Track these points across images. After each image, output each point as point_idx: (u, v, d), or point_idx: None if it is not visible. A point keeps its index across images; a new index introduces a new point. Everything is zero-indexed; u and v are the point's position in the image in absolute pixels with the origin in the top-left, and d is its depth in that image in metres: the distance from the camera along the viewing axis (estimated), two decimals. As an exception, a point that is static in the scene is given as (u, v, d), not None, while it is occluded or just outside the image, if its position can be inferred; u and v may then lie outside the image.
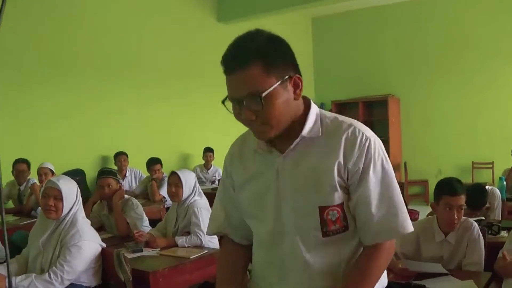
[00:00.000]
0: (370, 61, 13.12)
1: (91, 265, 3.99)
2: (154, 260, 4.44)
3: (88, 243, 3.98)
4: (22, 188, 7.38)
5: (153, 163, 8.65)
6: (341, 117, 2.05)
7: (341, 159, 1.94)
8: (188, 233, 4.94)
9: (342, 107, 13.23)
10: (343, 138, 1.96)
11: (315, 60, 14.07)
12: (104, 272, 4.09)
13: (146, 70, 10.01)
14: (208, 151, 10.22)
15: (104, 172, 5.77)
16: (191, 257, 4.42)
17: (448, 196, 3.79)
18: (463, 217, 3.88)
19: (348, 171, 1.94)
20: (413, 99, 12.71)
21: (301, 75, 1.96)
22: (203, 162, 10.33)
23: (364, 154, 1.94)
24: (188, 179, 5.15)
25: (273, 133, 1.92)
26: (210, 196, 7.72)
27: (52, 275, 3.77)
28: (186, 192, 5.10)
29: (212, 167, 10.27)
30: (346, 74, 13.40)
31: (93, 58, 9.24)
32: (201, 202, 5.15)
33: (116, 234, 5.49)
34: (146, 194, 8.35)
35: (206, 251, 4.62)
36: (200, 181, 9.74)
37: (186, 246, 4.78)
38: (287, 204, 2.00)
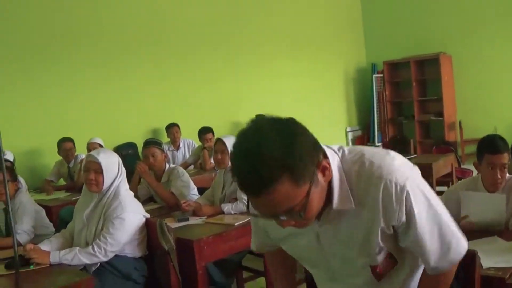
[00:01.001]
0: (421, 18, 12.64)
1: (135, 237, 3.94)
2: (199, 229, 4.38)
3: (131, 215, 3.93)
4: (71, 165, 7.45)
5: (204, 132, 8.58)
6: (367, 162, 1.83)
7: (382, 223, 1.82)
8: (235, 199, 4.84)
9: (394, 67, 12.98)
10: (379, 202, 1.79)
11: (364, 19, 13.69)
12: (149, 243, 4.04)
13: (194, 39, 9.95)
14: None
15: (148, 142, 5.73)
16: (236, 224, 4.34)
17: (489, 154, 3.54)
18: (508, 175, 3.65)
19: (392, 226, 1.85)
20: (466, 57, 12.24)
21: (326, 156, 1.78)
22: (256, 130, 10.17)
23: (404, 205, 1.80)
24: None
25: (311, 221, 1.79)
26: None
27: (95, 247, 3.74)
28: None
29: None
30: (397, 33, 12.98)
31: (141, 32, 9.24)
32: None
33: (165, 204, 5.45)
34: (199, 164, 8.32)
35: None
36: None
37: (232, 212, 4.68)
38: (336, 260, 1.98)
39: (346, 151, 1.87)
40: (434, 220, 1.87)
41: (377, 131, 13.00)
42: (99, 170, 3.92)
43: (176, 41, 9.71)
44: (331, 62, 12.61)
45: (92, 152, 4.08)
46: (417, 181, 1.85)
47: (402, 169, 1.83)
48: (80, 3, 8.60)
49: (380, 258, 1.91)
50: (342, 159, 1.85)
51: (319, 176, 1.69)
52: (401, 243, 1.90)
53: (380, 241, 1.86)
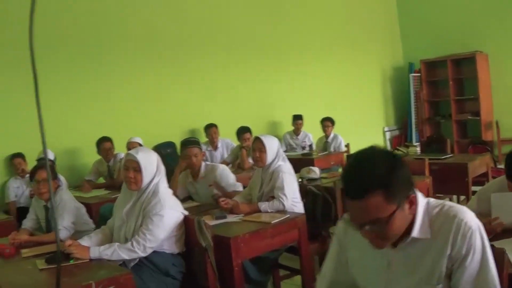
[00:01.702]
0: (458, 16, 12.49)
1: (173, 233, 3.95)
2: (236, 226, 4.39)
3: (170, 212, 3.94)
4: (110, 164, 7.54)
5: (242, 131, 8.60)
6: (446, 206, 2.10)
7: (448, 252, 2.01)
8: (273, 197, 4.84)
9: (431, 66, 12.83)
10: (451, 235, 2.01)
11: (401, 18, 13.58)
12: (187, 239, 4.05)
13: (233, 41, 9.97)
14: (297, 118, 10.04)
15: (189, 142, 5.72)
16: (272, 222, 4.34)
17: None
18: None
19: (451, 258, 2.02)
20: (502, 55, 12.05)
21: (415, 193, 2.05)
22: (293, 128, 10.18)
23: (466, 242, 2.00)
24: (272, 144, 5.02)
25: (389, 242, 2.05)
26: (299, 162, 7.76)
27: (134, 243, 3.76)
28: (270, 156, 4.98)
29: (301, 133, 10.11)
30: (434, 31, 12.83)
31: (183, 32, 9.32)
32: (286, 166, 5.02)
33: (204, 202, 5.47)
34: (238, 163, 8.33)
35: (288, 215, 4.52)
36: (290, 148, 9.72)
37: (269, 211, 4.68)
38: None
39: (432, 199, 2.15)
40: (483, 274, 2.02)
41: (415, 130, 12.90)
42: (138, 169, 3.94)
43: (217, 42, 9.76)
44: (368, 61, 12.57)
45: (131, 151, 4.10)
46: (482, 232, 2.05)
47: (473, 217, 2.06)
48: (118, 3, 8.70)
49: None
50: (428, 201, 2.13)
51: (406, 205, 1.98)
52: (451, 281, 2.05)
53: (443, 272, 2.02)
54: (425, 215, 2.08)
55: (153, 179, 4.02)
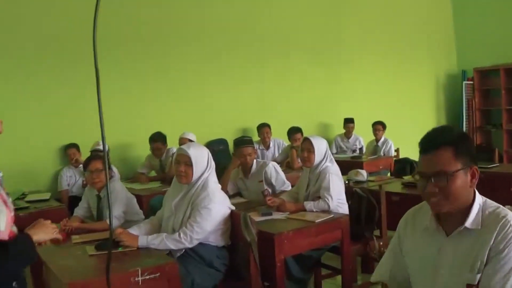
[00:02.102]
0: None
1: (220, 226, 4.03)
2: (281, 223, 4.45)
3: (218, 206, 4.03)
4: (163, 158, 7.68)
5: (293, 132, 8.68)
6: (501, 208, 2.24)
7: (491, 243, 2.14)
8: (319, 197, 4.89)
9: (484, 75, 12.61)
10: (496, 230, 2.14)
11: (456, 25, 13.31)
12: (233, 233, 4.13)
13: (287, 43, 10.01)
14: (349, 121, 10.05)
15: (244, 142, 5.84)
16: (316, 221, 4.39)
17: None
18: None
19: (491, 249, 2.14)
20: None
21: (478, 170, 2.23)
22: (344, 131, 10.19)
23: (506, 240, 2.12)
24: (320, 145, 5.09)
25: (447, 207, 2.19)
26: (349, 164, 7.79)
27: (182, 234, 3.86)
28: (318, 157, 5.04)
29: (352, 136, 10.12)
30: (488, 40, 12.51)
31: (240, 33, 9.42)
32: (333, 168, 5.07)
33: (253, 199, 5.56)
34: (287, 162, 8.39)
35: (332, 216, 4.57)
36: (341, 150, 9.73)
37: (314, 210, 4.74)
38: (441, 277, 2.25)
39: (489, 200, 2.30)
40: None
41: (466, 139, 12.70)
42: (189, 163, 4.04)
43: (272, 44, 9.80)
44: (422, 67, 12.40)
45: (184, 146, 4.21)
46: None
47: None
48: (184, 2, 8.87)
49: (475, 279, 2.15)
50: (486, 200, 2.28)
51: (468, 174, 2.18)
52: (484, 268, 2.15)
53: (484, 260, 2.13)
54: (480, 209, 2.22)
55: (203, 173, 4.11)
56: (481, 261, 2.14)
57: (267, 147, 9.08)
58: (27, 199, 6.39)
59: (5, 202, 2.18)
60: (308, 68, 10.25)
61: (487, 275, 2.11)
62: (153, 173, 7.93)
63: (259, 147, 8.96)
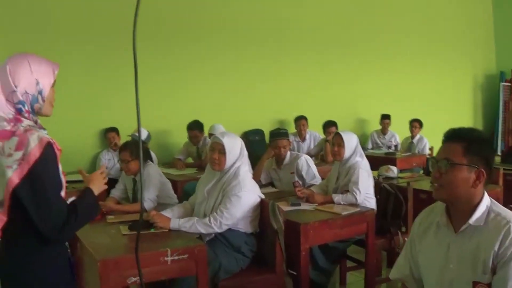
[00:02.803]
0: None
1: (249, 214, 4.14)
2: (308, 214, 4.55)
3: (248, 194, 4.13)
4: (200, 145, 7.81)
5: (328, 125, 8.76)
6: (504, 213, 2.32)
7: (496, 248, 2.23)
8: (347, 191, 4.97)
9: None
10: (502, 234, 2.23)
11: (496, 25, 13.16)
12: (262, 221, 4.22)
13: (325, 35, 10.09)
14: (385, 118, 10.07)
15: (280, 134, 5.96)
16: (343, 214, 4.48)
17: None
18: None
19: (498, 256, 2.23)
20: None
21: (487, 175, 2.32)
22: (380, 127, 10.23)
23: None
24: (350, 140, 5.18)
25: (443, 195, 2.34)
26: (383, 160, 7.82)
27: (212, 219, 3.98)
28: (347, 152, 5.13)
29: (388, 133, 10.14)
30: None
31: (279, 26, 9.53)
32: (363, 163, 5.15)
33: (284, 189, 5.67)
34: (321, 155, 8.47)
35: (359, 209, 4.66)
36: (377, 146, 9.76)
37: (342, 203, 4.83)
38: (449, 272, 2.36)
39: (498, 204, 2.40)
40: None
41: (500, 140, 12.63)
42: (222, 151, 4.17)
43: (312, 40, 9.90)
44: (460, 66, 12.27)
45: (218, 134, 4.35)
46: None
47: None
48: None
49: (484, 279, 2.25)
50: (494, 202, 2.39)
51: (473, 174, 2.28)
52: (495, 277, 2.23)
53: (490, 262, 2.23)
54: (487, 210, 2.32)
55: (235, 162, 4.22)
56: (486, 262, 2.23)
57: (303, 139, 9.17)
58: (66, 179, 6.55)
59: (63, 173, 2.38)
60: (346, 62, 10.31)
61: (501, 280, 2.20)
62: (189, 160, 8.09)
63: (295, 139, 9.06)
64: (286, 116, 9.55)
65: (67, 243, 2.54)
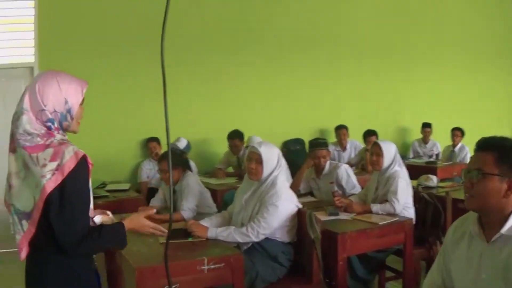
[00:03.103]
0: None
1: (286, 223, 4.14)
2: (346, 223, 4.54)
3: (285, 203, 4.13)
4: (240, 155, 7.85)
5: (369, 134, 8.73)
6: None
7: None
8: (386, 200, 4.94)
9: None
10: None
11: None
12: (299, 231, 4.22)
13: (366, 44, 10.05)
14: (426, 126, 9.98)
15: (319, 144, 5.96)
16: (380, 223, 4.46)
17: None
18: None
19: None
20: None
21: None
22: (421, 136, 10.14)
23: None
24: (389, 149, 5.15)
25: (474, 206, 2.32)
26: (423, 170, 7.76)
27: (249, 229, 4.01)
28: (386, 161, 5.10)
29: (430, 142, 10.04)
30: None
31: (318, 32, 9.52)
32: (402, 172, 5.11)
33: (323, 199, 5.67)
34: (362, 165, 8.45)
35: (397, 219, 4.62)
36: (418, 155, 9.68)
37: (380, 213, 4.80)
38: (481, 282, 2.31)
39: None
40: None
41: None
42: (259, 161, 4.20)
43: (352, 47, 9.85)
44: (503, 74, 11.98)
45: (255, 144, 4.37)
46: None
47: None
48: (267, 4, 9.05)
49: None
50: None
51: (505, 184, 2.25)
52: None
53: None
54: None
55: (273, 171, 4.24)
56: None
57: (344, 149, 9.15)
58: (107, 188, 6.67)
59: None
60: (386, 71, 10.22)
61: None
62: (230, 169, 8.14)
63: (335, 148, 9.06)
64: (326, 125, 9.53)
65: (94, 256, 2.58)
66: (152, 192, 6.80)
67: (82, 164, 2.31)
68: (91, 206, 2.42)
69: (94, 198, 6.03)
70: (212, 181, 7.27)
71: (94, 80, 7.40)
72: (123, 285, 3.71)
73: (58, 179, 2.23)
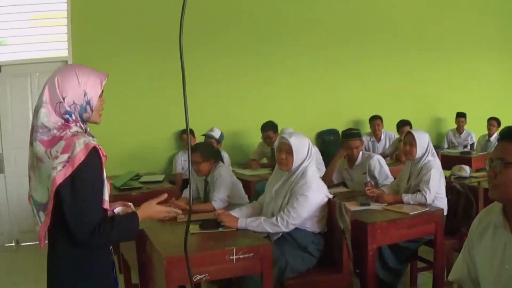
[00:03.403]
0: None
1: (316, 213, 4.16)
2: (376, 213, 4.54)
3: (315, 194, 4.15)
4: (274, 146, 7.80)
5: (402, 125, 8.66)
6: None
7: None
8: (418, 190, 4.90)
9: None
10: None
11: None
12: (330, 221, 4.23)
13: (401, 38, 9.95)
14: (460, 116, 9.86)
15: (352, 135, 5.93)
16: (410, 213, 4.44)
17: None
18: None
19: None
20: None
21: None
22: (456, 126, 10.04)
23: None
24: (422, 139, 5.09)
25: (497, 195, 2.27)
26: (457, 160, 7.69)
27: (279, 219, 4.04)
28: (419, 151, 5.05)
29: (464, 132, 9.93)
30: None
31: (355, 25, 9.50)
32: (435, 162, 5.06)
33: (356, 189, 5.64)
34: (396, 155, 8.40)
35: (428, 209, 4.60)
36: (452, 145, 9.58)
37: (411, 203, 4.77)
38: (506, 273, 2.27)
39: None
40: None
41: None
42: (289, 151, 4.21)
43: (387, 38, 9.77)
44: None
45: (285, 135, 4.39)
46: None
47: None
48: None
49: None
50: None
51: None
52: None
53: None
54: None
55: (303, 162, 4.25)
56: None
57: (379, 139, 9.09)
58: (141, 180, 6.75)
59: (107, 178, 2.46)
60: (420, 61, 10.08)
61: None
62: (264, 160, 8.17)
63: (370, 139, 9.02)
64: (361, 116, 9.50)
65: (111, 248, 2.60)
66: (186, 183, 6.85)
67: (93, 155, 2.32)
68: (106, 198, 2.42)
69: (128, 189, 6.14)
70: (246, 172, 7.32)
71: (128, 74, 7.59)
72: (154, 275, 3.75)
73: (68, 170, 2.27)
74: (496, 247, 2.33)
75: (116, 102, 7.67)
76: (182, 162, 7.91)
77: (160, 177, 6.95)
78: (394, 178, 5.68)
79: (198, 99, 7.90)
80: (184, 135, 7.95)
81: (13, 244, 7.62)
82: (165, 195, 2.94)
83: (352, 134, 5.94)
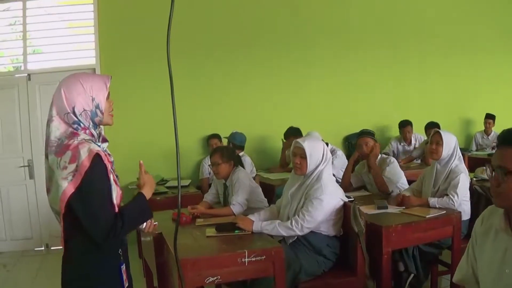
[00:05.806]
0: None
1: (331, 217, 4.18)
2: (392, 217, 4.51)
3: (329, 197, 4.17)
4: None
5: (431, 126, 8.59)
6: None
7: None
8: (445, 195, 4.84)
9: None
10: None
11: None
12: (345, 224, 4.24)
13: (431, 40, 9.87)
14: (489, 117, 9.76)
15: (363, 133, 6.01)
16: (426, 217, 4.41)
17: None
18: None
19: None
20: None
21: None
22: (484, 128, 9.96)
23: None
24: (449, 139, 5.00)
25: (499, 203, 2.22)
26: (485, 162, 7.60)
27: (294, 222, 4.08)
28: (445, 151, 4.95)
29: (492, 133, 9.82)
30: None
31: (377, 29, 9.47)
32: (462, 167, 4.97)
33: (376, 192, 5.66)
34: (423, 157, 8.38)
35: (444, 212, 4.54)
36: (480, 147, 9.51)
37: (437, 206, 4.71)
38: (506, 277, 2.25)
39: None
40: None
41: None
42: (303, 155, 4.26)
43: (415, 42, 9.72)
44: None
45: (299, 139, 4.43)
46: None
47: None
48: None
49: None
50: None
51: None
52: None
53: None
54: None
55: (318, 166, 4.28)
56: None
57: (409, 143, 9.05)
58: (167, 184, 6.84)
59: (115, 182, 2.53)
60: (449, 64, 9.99)
61: None
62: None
63: (399, 143, 9.00)
64: (390, 119, 9.48)
65: (119, 251, 2.65)
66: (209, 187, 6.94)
67: (97, 161, 2.39)
68: (115, 201, 2.50)
69: (154, 194, 6.25)
70: (272, 176, 7.36)
71: (155, 81, 7.69)
72: (171, 277, 3.83)
73: (78, 179, 2.35)
74: (497, 250, 2.31)
75: (144, 108, 7.83)
76: (209, 167, 7.98)
77: (186, 182, 7.05)
78: (413, 181, 5.62)
79: (227, 103, 8.03)
80: (211, 140, 8.00)
81: (43, 248, 7.78)
82: (140, 162, 2.89)
83: (362, 132, 6.04)
